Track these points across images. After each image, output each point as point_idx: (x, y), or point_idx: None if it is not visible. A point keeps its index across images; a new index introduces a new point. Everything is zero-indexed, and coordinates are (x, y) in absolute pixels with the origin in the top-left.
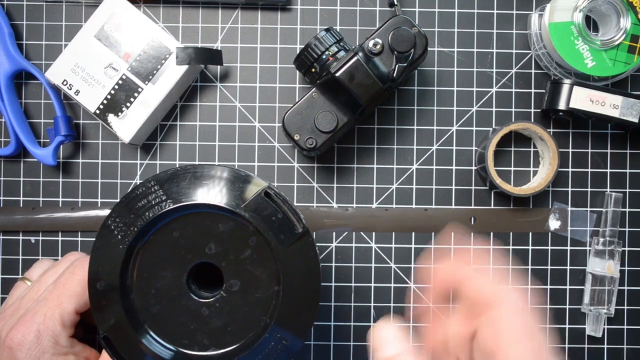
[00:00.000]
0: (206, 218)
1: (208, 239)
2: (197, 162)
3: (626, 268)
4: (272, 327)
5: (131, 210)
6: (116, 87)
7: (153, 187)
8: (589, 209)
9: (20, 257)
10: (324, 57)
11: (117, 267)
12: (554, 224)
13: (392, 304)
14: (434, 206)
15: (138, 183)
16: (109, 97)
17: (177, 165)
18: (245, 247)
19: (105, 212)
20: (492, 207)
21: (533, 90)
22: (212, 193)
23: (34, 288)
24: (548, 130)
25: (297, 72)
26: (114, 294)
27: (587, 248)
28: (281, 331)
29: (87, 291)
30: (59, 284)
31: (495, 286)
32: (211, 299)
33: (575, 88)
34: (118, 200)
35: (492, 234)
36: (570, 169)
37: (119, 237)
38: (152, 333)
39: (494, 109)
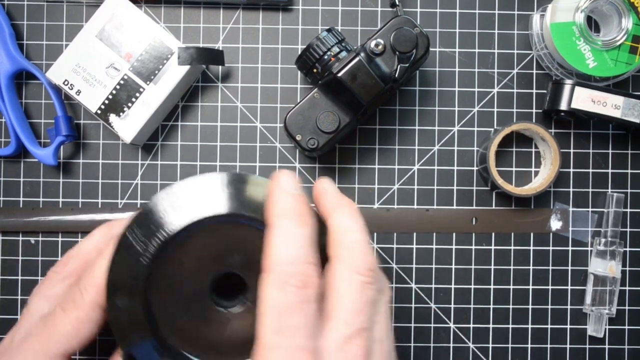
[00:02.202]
0: (229, 227)
1: (231, 249)
2: (218, 170)
3: (627, 268)
4: None
5: (151, 221)
6: (118, 87)
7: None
8: (590, 209)
9: (20, 257)
10: (325, 57)
11: (138, 281)
12: (555, 224)
13: (393, 305)
14: (435, 206)
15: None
16: (110, 97)
17: (198, 173)
18: None
19: (106, 213)
20: (494, 207)
21: (534, 91)
22: (234, 201)
23: (25, 316)
24: (549, 130)
25: (299, 72)
26: (135, 309)
27: (589, 248)
28: None
29: (81, 329)
30: (48, 322)
31: (344, 238)
32: (236, 310)
33: (577, 88)
34: (118, 200)
35: (493, 234)
36: (571, 170)
37: (139, 249)
38: (177, 347)
39: (495, 110)
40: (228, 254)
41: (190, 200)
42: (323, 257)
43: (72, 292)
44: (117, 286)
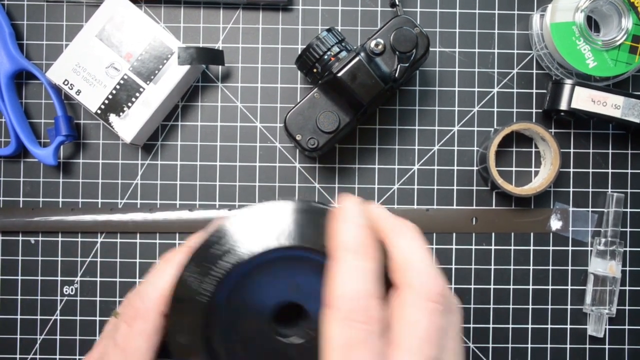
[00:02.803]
0: (291, 258)
1: (292, 278)
2: (277, 199)
3: (627, 268)
4: None
5: (207, 258)
6: (117, 87)
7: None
8: (590, 209)
9: (20, 257)
10: (325, 57)
11: (199, 320)
12: (555, 224)
13: None
14: (435, 206)
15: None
16: (110, 97)
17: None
18: None
19: (105, 213)
20: (494, 207)
21: (534, 91)
22: (295, 232)
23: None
24: (549, 130)
25: (299, 72)
26: (196, 347)
27: (589, 248)
28: None
29: (151, 341)
30: (118, 340)
31: (411, 264)
32: (297, 340)
33: (577, 88)
34: (118, 200)
35: (493, 234)
36: (571, 169)
37: (196, 287)
38: None
39: (495, 109)
40: (290, 286)
41: (250, 232)
42: (387, 282)
43: (133, 303)
44: (177, 325)
